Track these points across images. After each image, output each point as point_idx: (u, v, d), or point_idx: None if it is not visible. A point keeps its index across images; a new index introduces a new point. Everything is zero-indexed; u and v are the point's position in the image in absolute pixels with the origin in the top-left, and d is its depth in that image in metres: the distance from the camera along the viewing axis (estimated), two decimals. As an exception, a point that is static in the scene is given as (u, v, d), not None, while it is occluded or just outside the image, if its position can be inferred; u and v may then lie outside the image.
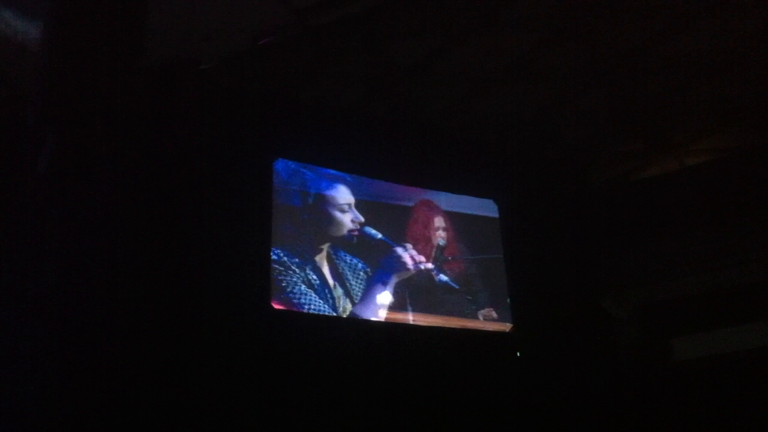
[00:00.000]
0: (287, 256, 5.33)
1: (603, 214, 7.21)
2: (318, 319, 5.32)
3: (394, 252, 5.77)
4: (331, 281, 5.44)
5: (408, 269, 5.77)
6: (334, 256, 5.54)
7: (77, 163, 4.30)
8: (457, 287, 5.95)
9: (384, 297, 5.59)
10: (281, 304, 5.17)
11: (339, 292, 5.44)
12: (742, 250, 6.81)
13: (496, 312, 6.06)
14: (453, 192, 6.35)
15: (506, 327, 6.06)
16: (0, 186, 4.82)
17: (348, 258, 5.59)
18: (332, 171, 5.83)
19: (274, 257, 5.28)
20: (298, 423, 4.92)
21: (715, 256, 6.95)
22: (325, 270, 5.46)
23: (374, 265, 5.68)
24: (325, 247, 5.55)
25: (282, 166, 5.59)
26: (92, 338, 4.47)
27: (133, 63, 4.21)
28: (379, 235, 5.74)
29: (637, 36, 5.63)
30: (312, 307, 5.28)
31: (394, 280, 5.68)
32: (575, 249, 6.74)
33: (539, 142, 6.89)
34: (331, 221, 5.68)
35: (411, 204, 6.15)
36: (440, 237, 6.09)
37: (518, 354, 6.02)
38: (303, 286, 5.30)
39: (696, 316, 7.19)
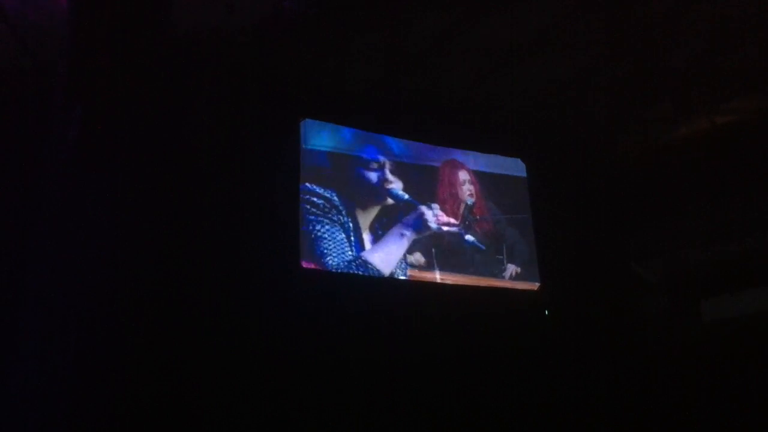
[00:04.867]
0: (336, 195, 5.50)
1: (632, 176, 7.18)
2: (345, 277, 5.39)
3: (418, 209, 5.81)
4: (364, 231, 5.54)
5: (429, 227, 5.80)
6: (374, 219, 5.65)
7: (106, 135, 4.34)
8: (483, 248, 5.97)
9: (397, 249, 5.61)
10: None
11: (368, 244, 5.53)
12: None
13: (524, 270, 6.07)
14: (481, 151, 6.36)
15: (534, 286, 6.07)
16: (27, 163, 4.85)
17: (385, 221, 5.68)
18: (359, 131, 5.87)
19: (327, 194, 5.47)
20: (326, 382, 5.01)
21: (744, 219, 6.89)
22: (362, 223, 5.57)
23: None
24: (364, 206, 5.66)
25: (309, 126, 5.62)
26: (127, 305, 4.54)
27: (159, 34, 4.24)
28: (406, 196, 5.78)
29: (659, 3, 5.56)
30: (332, 240, 5.36)
31: (413, 236, 5.70)
32: (604, 208, 6.73)
33: (563, 114, 6.85)
34: (359, 180, 5.73)
35: (438, 165, 6.17)
36: (468, 192, 6.11)
37: (546, 312, 6.03)
38: (336, 225, 5.42)
39: (725, 280, 7.15)
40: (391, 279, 5.54)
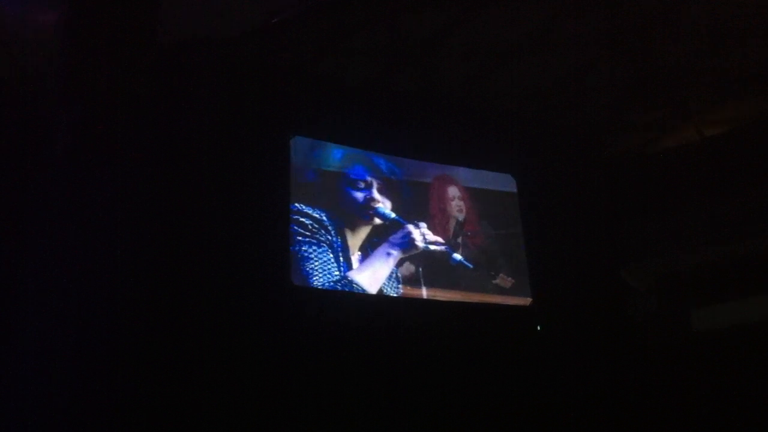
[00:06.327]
0: (326, 216, 5.46)
1: (622, 185, 7.18)
2: (334, 294, 5.38)
3: (405, 228, 5.77)
4: (353, 252, 5.50)
5: (416, 246, 5.76)
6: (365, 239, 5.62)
7: (97, 141, 4.31)
8: (471, 266, 5.94)
9: (383, 268, 5.58)
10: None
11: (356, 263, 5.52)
12: (760, 220, 6.77)
13: (515, 286, 6.06)
14: (471, 167, 6.34)
15: (526, 301, 6.06)
16: (18, 167, 4.82)
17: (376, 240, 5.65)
18: (349, 149, 5.85)
19: (316, 214, 5.44)
20: (313, 398, 5.00)
21: (733, 227, 6.91)
22: (353, 243, 5.53)
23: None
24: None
25: (298, 144, 5.60)
26: (121, 312, 4.50)
27: (149, 41, 4.21)
28: (392, 215, 5.75)
29: (656, 3, 5.56)
30: (318, 260, 5.34)
31: (399, 255, 5.67)
32: (594, 221, 6.71)
33: (558, 113, 6.85)
34: (345, 199, 5.70)
35: (429, 180, 6.15)
36: (456, 208, 6.09)
37: (539, 328, 6.02)
38: (323, 245, 5.39)
39: (714, 287, 7.16)
40: (380, 296, 5.52)
